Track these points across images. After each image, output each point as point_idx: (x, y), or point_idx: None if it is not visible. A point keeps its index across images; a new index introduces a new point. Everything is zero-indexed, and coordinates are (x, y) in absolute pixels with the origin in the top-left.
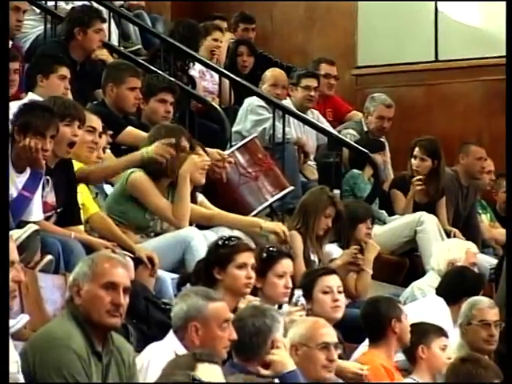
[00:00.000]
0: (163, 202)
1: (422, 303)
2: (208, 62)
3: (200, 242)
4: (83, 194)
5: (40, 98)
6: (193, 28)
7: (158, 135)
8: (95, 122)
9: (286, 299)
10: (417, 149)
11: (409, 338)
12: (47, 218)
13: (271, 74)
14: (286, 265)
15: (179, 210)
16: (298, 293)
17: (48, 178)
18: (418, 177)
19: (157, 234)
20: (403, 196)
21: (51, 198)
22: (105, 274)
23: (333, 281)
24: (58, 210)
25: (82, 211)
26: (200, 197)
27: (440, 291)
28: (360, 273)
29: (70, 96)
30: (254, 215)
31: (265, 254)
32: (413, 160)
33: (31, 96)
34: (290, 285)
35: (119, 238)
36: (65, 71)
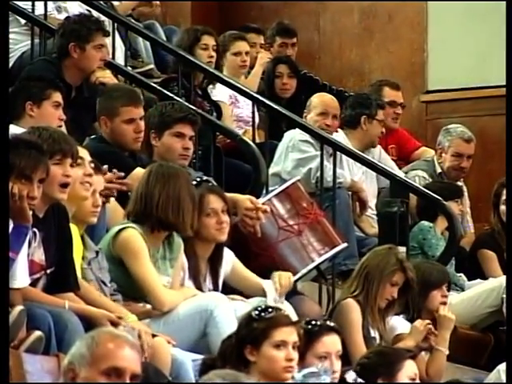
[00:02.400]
0: (154, 273)
1: None
2: (235, 83)
3: (225, 312)
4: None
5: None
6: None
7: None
8: (81, 151)
9: None
10: (505, 191)
11: None
12: (35, 282)
13: (319, 99)
14: (328, 344)
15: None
16: (352, 375)
17: (35, 230)
18: None
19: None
20: (495, 256)
21: (39, 256)
22: (108, 357)
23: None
24: (48, 271)
25: None
26: (230, 257)
27: None
28: (432, 352)
29: (64, 129)
30: (297, 280)
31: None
32: (502, 206)
33: (13, 129)
34: (337, 368)
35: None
36: (59, 97)
